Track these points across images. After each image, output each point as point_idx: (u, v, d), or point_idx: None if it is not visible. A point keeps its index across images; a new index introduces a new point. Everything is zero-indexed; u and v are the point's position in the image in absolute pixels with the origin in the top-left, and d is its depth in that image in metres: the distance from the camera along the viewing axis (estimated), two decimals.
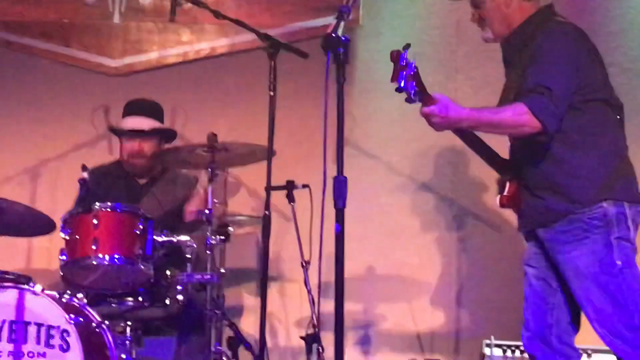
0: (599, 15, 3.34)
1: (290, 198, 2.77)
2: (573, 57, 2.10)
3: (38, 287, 2.36)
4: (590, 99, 2.07)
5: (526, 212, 2.25)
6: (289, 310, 3.13)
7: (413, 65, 1.90)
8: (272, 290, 2.92)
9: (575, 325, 2.21)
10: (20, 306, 2.36)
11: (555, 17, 2.23)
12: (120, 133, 2.97)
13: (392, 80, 1.89)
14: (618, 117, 2.17)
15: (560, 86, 2.02)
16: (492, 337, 2.75)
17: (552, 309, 2.24)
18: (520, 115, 2.02)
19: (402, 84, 1.86)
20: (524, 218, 2.26)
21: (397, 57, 1.93)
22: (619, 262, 2.06)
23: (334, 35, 1.71)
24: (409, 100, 1.92)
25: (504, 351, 2.74)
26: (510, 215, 2.51)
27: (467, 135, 2.28)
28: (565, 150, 2.12)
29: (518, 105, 2.00)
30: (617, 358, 2.21)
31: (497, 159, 2.35)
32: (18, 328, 2.35)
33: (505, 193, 2.31)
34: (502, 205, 2.34)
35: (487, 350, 2.75)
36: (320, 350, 2.62)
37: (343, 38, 1.71)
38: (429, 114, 1.98)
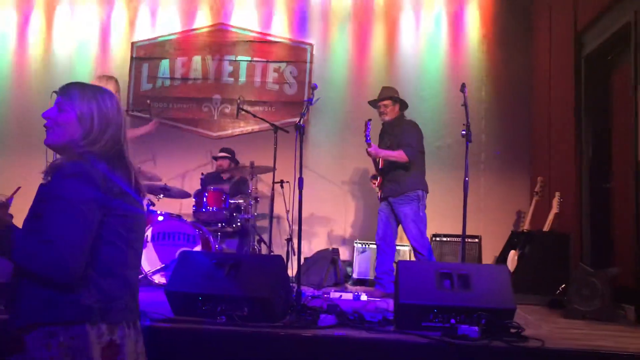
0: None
1: (281, 186, 6.39)
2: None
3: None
4: (418, 151, 5.37)
5: (385, 190, 5.09)
6: (281, 227, 6.67)
7: (369, 128, 4.84)
8: (275, 222, 6.22)
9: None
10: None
11: (405, 118, 5.11)
12: (215, 158, 6.64)
13: (364, 133, 4.85)
14: (424, 155, 5.29)
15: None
16: (358, 240, 6.35)
17: (386, 228, 5.16)
18: (402, 155, 4.86)
19: (366, 137, 4.83)
20: (383, 193, 5.10)
21: (365, 124, 4.86)
22: (421, 214, 5.06)
23: (299, 123, 4.23)
24: (367, 142, 4.81)
25: (365, 245, 6.28)
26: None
27: (375, 159, 5.07)
28: (406, 168, 4.93)
29: (400, 151, 4.83)
30: (418, 253, 5.01)
31: (378, 168, 5.16)
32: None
33: (378, 181, 5.22)
34: (376, 186, 5.17)
35: (357, 245, 6.33)
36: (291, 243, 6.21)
37: (302, 124, 4.42)
38: (371, 151, 4.85)
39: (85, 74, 7.19)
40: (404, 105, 5.17)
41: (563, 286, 4.53)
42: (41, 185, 1.74)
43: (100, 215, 1.71)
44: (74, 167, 1.70)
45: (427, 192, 5.03)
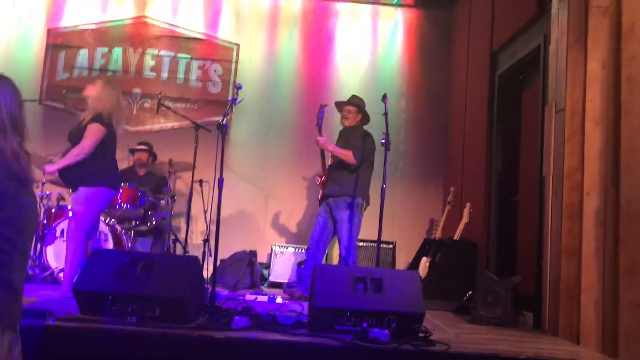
0: None
1: (200, 185, 6.27)
2: None
3: None
4: (366, 159, 4.99)
5: (327, 189, 4.99)
6: (197, 227, 6.56)
7: (323, 112, 4.92)
8: (192, 222, 6.23)
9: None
10: None
11: (363, 128, 5.08)
12: (133, 151, 6.30)
13: (317, 115, 4.94)
14: (372, 167, 5.17)
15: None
16: (276, 242, 6.36)
17: (322, 233, 5.01)
18: (349, 155, 4.82)
19: (319, 120, 4.95)
20: (325, 191, 5.00)
21: (320, 108, 4.97)
22: (356, 221, 4.92)
23: (222, 122, 4.21)
24: (319, 130, 4.88)
25: (283, 247, 6.30)
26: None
27: (323, 151, 5.00)
28: (352, 172, 4.97)
29: (349, 151, 4.83)
30: (343, 259, 4.97)
31: (325, 163, 5.10)
32: None
33: (322, 179, 5.13)
34: (319, 184, 5.12)
35: (275, 247, 6.35)
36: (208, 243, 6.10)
37: (225, 124, 4.43)
38: (319, 139, 4.81)
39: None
40: (366, 118, 5.19)
41: (469, 293, 4.72)
42: None
43: None
44: None
45: (368, 203, 5.09)
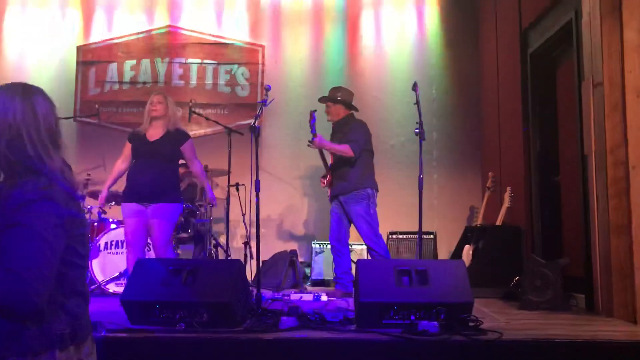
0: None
1: (237, 189, 6.30)
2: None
3: None
4: (365, 148, 5.48)
5: (334, 188, 5.02)
6: (238, 231, 6.60)
7: (314, 118, 4.61)
8: (231, 226, 6.24)
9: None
10: None
11: (355, 118, 5.06)
12: None
13: (309, 123, 4.62)
14: (372, 154, 5.53)
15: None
16: (315, 240, 6.34)
17: (340, 228, 5.11)
18: (347, 149, 4.81)
19: (312, 127, 4.64)
20: (333, 191, 5.03)
21: (311, 114, 4.66)
22: (372, 211, 5.07)
23: (254, 124, 4.07)
24: (313, 132, 4.63)
25: (323, 245, 6.27)
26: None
27: (322, 152, 5.04)
28: (353, 165, 4.87)
29: (346, 145, 4.79)
30: (373, 251, 4.93)
31: (327, 163, 5.12)
32: None
33: (327, 180, 5.10)
34: (325, 185, 5.12)
35: (315, 245, 6.33)
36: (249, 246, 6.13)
37: (257, 126, 4.11)
38: (315, 140, 4.67)
39: (31, 78, 6.95)
40: (347, 105, 5.11)
41: (517, 278, 4.63)
42: None
43: (65, 239, 1.59)
44: (35, 189, 1.55)
45: (377, 190, 5.03)
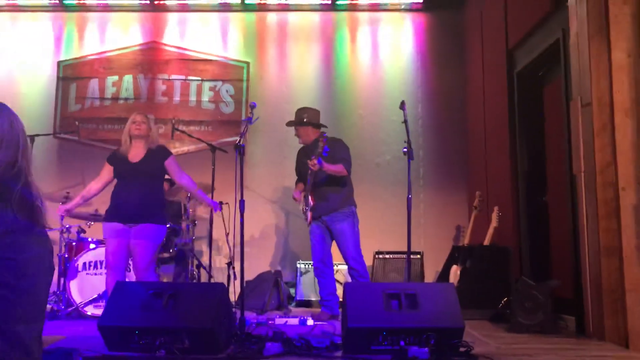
0: None
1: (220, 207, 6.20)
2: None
3: None
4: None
5: (318, 208, 4.75)
6: (220, 251, 6.45)
7: (325, 146, 4.36)
8: (214, 246, 6.05)
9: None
10: None
11: (329, 136, 4.60)
12: None
13: (319, 151, 4.39)
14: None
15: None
16: (300, 260, 6.21)
17: (324, 249, 4.94)
18: (343, 170, 4.66)
19: (325, 149, 4.32)
20: (316, 212, 4.76)
21: (322, 139, 4.38)
22: (356, 229, 4.84)
23: (239, 143, 4.01)
24: (324, 155, 4.34)
25: (308, 265, 6.14)
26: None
27: (318, 172, 4.56)
28: (342, 184, 4.77)
29: (341, 165, 4.62)
30: (353, 270, 4.76)
31: (312, 184, 4.70)
32: None
33: (311, 200, 4.86)
34: (299, 201, 4.95)
35: (300, 266, 6.20)
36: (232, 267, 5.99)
37: (242, 144, 4.17)
38: (317, 163, 4.37)
39: (10, 94, 6.83)
40: (316, 125, 4.97)
41: (505, 299, 4.56)
42: None
43: None
44: None
45: (356, 207, 4.95)
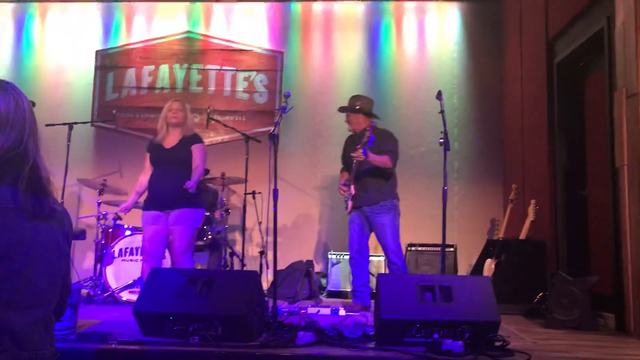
0: None
1: (253, 197, 6.19)
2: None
3: None
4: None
5: (359, 199, 4.72)
6: (253, 239, 6.50)
7: (371, 136, 4.42)
8: (247, 235, 6.13)
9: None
10: None
11: (378, 127, 4.71)
12: None
13: (365, 141, 4.38)
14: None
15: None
16: (332, 251, 6.18)
17: (361, 240, 4.84)
18: (388, 161, 4.59)
19: (370, 139, 4.37)
20: (357, 202, 4.71)
21: (369, 128, 4.46)
22: (397, 223, 4.78)
23: (273, 132, 3.89)
24: (369, 145, 4.36)
25: (339, 256, 6.15)
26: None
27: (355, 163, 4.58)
28: (386, 177, 4.70)
29: (386, 157, 4.55)
30: (392, 263, 4.70)
31: (355, 174, 4.65)
32: None
33: (351, 190, 4.70)
34: (345, 193, 4.77)
35: (331, 256, 6.20)
36: (264, 255, 6.01)
37: (276, 134, 3.94)
38: (363, 152, 4.35)
39: (54, 83, 6.99)
40: (367, 114, 4.92)
41: (541, 294, 4.48)
42: None
43: None
44: None
45: (399, 201, 4.88)
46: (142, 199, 4.58)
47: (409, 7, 7.06)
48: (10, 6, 7.32)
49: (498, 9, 6.85)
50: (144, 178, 4.48)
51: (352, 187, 4.77)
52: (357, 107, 4.92)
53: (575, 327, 3.84)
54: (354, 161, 4.63)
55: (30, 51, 7.23)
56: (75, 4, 7.29)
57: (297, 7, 7.16)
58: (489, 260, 5.25)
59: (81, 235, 5.44)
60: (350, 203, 4.82)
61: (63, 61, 7.14)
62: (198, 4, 7.20)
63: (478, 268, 5.38)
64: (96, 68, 7.04)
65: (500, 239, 5.47)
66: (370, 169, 4.72)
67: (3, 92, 1.57)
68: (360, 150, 4.45)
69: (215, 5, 7.20)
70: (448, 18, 7.01)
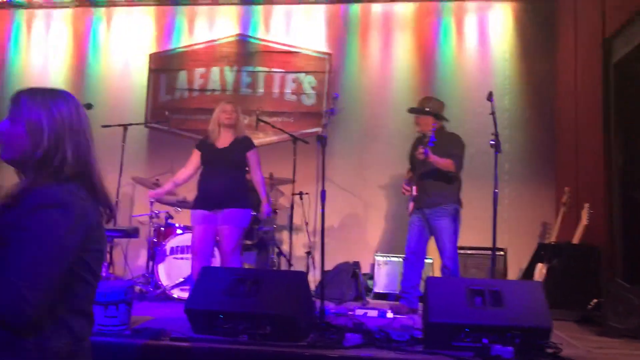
0: None
1: (301, 197, 6.21)
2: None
3: None
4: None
5: (420, 201, 4.71)
6: (300, 239, 6.42)
7: (432, 136, 4.39)
8: (294, 235, 6.06)
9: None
10: None
11: (447, 130, 4.85)
12: None
13: (426, 140, 4.35)
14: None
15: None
16: (379, 252, 6.18)
17: (419, 241, 4.82)
18: (450, 165, 4.52)
19: (431, 139, 4.33)
20: (418, 203, 4.72)
21: (432, 129, 4.48)
22: (456, 228, 4.74)
23: (322, 134, 4.15)
24: (430, 145, 4.30)
25: (387, 258, 6.12)
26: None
27: (418, 162, 4.60)
28: (449, 180, 4.66)
29: (449, 160, 4.50)
30: (445, 268, 4.65)
31: (418, 174, 4.70)
32: None
33: (413, 190, 4.72)
34: (408, 193, 4.75)
35: (378, 258, 6.18)
36: (311, 256, 6.04)
37: (325, 135, 4.19)
38: (426, 152, 4.31)
39: (108, 86, 7.22)
40: (437, 117, 4.89)
41: (594, 301, 4.35)
42: (6, 208, 1.48)
43: (76, 253, 1.50)
44: (53, 195, 1.47)
45: (462, 207, 4.85)
46: (189, 198, 4.69)
47: (460, 7, 6.96)
48: (74, 11, 7.59)
49: (552, 9, 6.68)
50: (185, 171, 4.60)
51: (414, 188, 4.76)
52: (427, 109, 4.90)
53: (632, 336, 3.72)
54: (418, 161, 4.63)
55: (91, 55, 7.47)
56: (127, 8, 7.50)
57: (346, 9, 7.15)
58: (540, 265, 5.14)
59: (134, 233, 5.59)
60: (411, 204, 4.82)
61: (119, 64, 7.37)
62: (248, 7, 7.30)
63: (529, 272, 5.26)
64: (149, 70, 7.24)
65: (553, 243, 5.33)
66: (432, 171, 4.68)
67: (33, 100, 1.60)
68: (422, 150, 4.42)
69: (266, 7, 7.28)
70: (500, 18, 6.88)
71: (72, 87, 7.23)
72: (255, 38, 7.18)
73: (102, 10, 7.54)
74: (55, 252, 1.44)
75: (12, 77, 7.49)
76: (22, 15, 7.67)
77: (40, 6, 7.59)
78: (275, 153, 6.58)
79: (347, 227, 6.68)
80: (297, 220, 6.04)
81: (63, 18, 7.60)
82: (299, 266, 6.12)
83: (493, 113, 4.07)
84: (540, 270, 5.09)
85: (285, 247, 6.11)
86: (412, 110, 5.03)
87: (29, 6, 7.60)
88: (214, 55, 7.18)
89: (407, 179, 5.01)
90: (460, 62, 6.85)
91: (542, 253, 5.25)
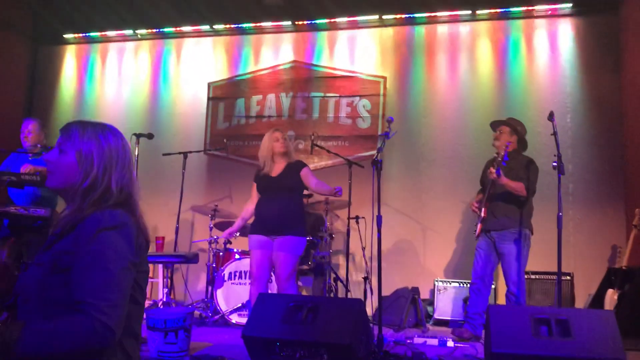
0: None
1: (357, 222, 6.19)
2: None
3: None
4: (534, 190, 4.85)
5: (489, 223, 4.63)
6: (356, 264, 6.47)
7: (505, 155, 4.36)
8: (350, 260, 6.09)
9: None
10: None
11: (523, 155, 4.75)
12: None
13: (499, 160, 4.37)
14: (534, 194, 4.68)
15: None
16: (438, 277, 6.03)
17: (486, 266, 4.70)
18: (522, 188, 4.45)
19: (504, 157, 4.34)
20: (486, 225, 4.62)
21: (505, 148, 4.45)
22: (525, 253, 4.55)
23: (376, 158, 4.11)
24: (504, 165, 4.32)
25: (446, 283, 5.96)
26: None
27: (488, 184, 4.56)
28: (520, 204, 4.55)
29: (521, 184, 4.44)
30: (511, 294, 4.54)
31: (488, 194, 4.62)
32: None
33: (482, 212, 4.63)
34: (476, 211, 4.74)
35: (437, 283, 6.02)
36: (368, 281, 5.93)
37: (380, 159, 4.14)
38: (498, 174, 4.31)
39: (170, 114, 7.45)
40: (520, 141, 4.82)
41: None
42: (59, 236, 1.56)
43: (136, 271, 1.57)
44: (110, 218, 1.54)
45: (532, 233, 4.69)
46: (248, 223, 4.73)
47: (517, 24, 6.81)
48: (146, 43, 7.92)
49: (615, 22, 6.44)
50: (250, 206, 4.65)
51: (483, 210, 4.67)
52: (518, 129, 4.84)
53: None
54: (489, 182, 4.55)
55: (159, 85, 7.74)
56: (187, 39, 7.74)
57: (399, 32, 7.13)
58: (610, 291, 4.89)
59: (194, 258, 5.69)
60: (479, 226, 4.71)
61: (184, 93, 7.61)
62: (303, 34, 7.41)
63: (598, 299, 5.02)
64: (208, 99, 7.43)
65: (624, 267, 5.07)
66: (503, 193, 4.58)
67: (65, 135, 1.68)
68: (494, 169, 4.33)
69: (319, 34, 7.36)
70: (559, 34, 6.69)
71: (140, 117, 7.53)
72: (309, 64, 7.26)
73: (172, 41, 7.81)
74: (123, 270, 1.50)
75: (87, 107, 7.86)
76: (97, 48, 8.06)
77: (114, 40, 7.96)
78: (330, 177, 6.57)
79: (404, 252, 6.58)
80: (353, 244, 5.99)
81: (135, 50, 7.93)
82: (356, 291, 6.06)
83: (555, 133, 3.93)
84: (611, 297, 4.85)
85: (342, 272, 6.06)
86: (498, 123, 4.94)
87: (103, 40, 7.99)
88: (270, 82, 7.30)
89: (477, 200, 4.90)
90: (519, 79, 6.68)
91: (612, 278, 5.01)
